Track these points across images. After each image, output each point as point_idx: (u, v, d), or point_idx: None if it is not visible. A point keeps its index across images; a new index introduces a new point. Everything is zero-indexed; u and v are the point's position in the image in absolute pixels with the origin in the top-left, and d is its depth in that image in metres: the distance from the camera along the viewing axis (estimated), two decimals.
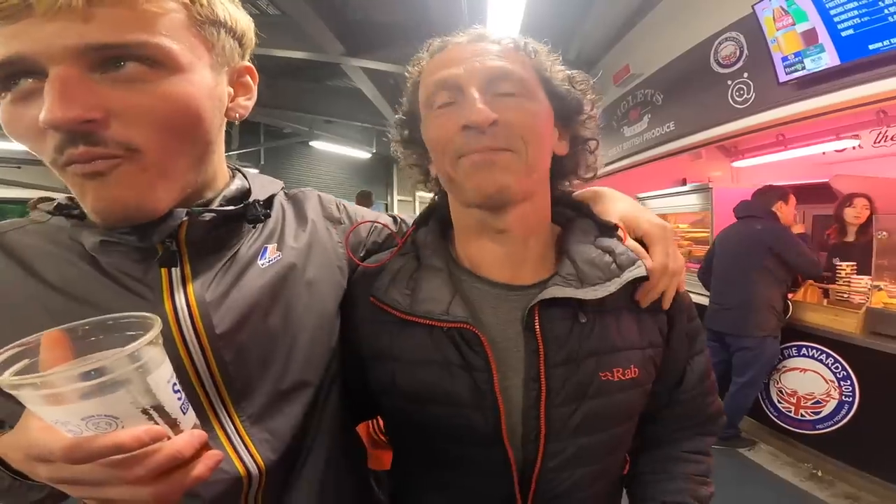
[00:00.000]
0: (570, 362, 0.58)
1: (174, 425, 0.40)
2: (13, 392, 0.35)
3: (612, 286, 0.59)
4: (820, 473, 2.68)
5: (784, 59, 2.84)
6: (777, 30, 2.84)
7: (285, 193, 0.71)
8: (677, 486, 0.68)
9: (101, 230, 0.52)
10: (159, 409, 0.39)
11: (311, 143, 9.21)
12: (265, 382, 0.57)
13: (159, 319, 0.40)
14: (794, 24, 2.74)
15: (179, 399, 0.41)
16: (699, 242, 4.22)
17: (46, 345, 0.38)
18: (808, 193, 4.15)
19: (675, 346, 0.68)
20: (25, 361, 0.38)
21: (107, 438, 0.36)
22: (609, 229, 0.66)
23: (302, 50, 4.88)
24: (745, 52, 3.25)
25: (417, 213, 0.76)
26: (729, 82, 3.39)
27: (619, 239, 0.65)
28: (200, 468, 0.41)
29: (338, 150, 9.70)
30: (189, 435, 0.41)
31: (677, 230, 4.61)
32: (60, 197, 0.57)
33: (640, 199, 5.00)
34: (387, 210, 13.40)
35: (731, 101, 3.40)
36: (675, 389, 0.70)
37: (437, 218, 0.72)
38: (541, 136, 0.60)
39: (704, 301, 3.13)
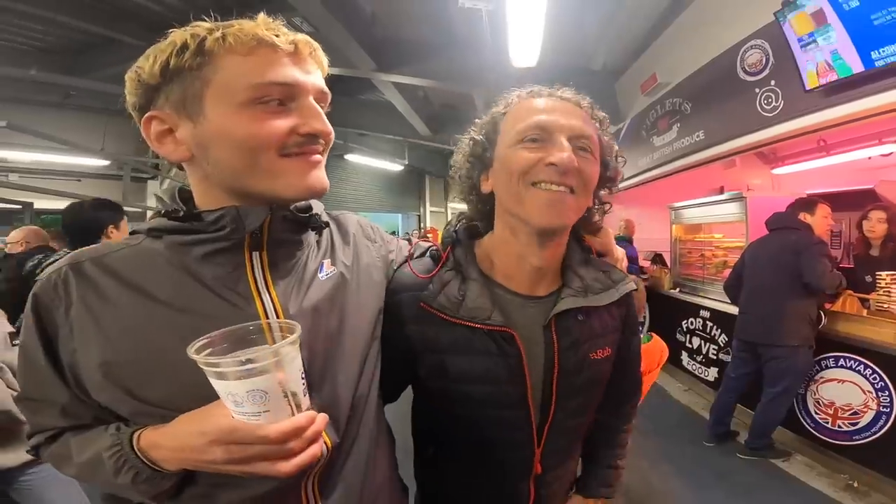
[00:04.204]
0: (573, 348, 0.79)
1: (299, 406, 0.55)
2: (204, 368, 0.50)
3: (615, 295, 0.84)
4: (856, 484, 2.60)
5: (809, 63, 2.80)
6: (788, 13, 2.80)
7: (327, 214, 0.82)
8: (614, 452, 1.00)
9: (206, 243, 0.63)
10: (293, 391, 0.53)
11: (346, 157, 9.53)
12: (327, 377, 0.67)
13: (299, 326, 0.55)
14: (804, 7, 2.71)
15: (304, 385, 0.56)
16: (734, 252, 4.13)
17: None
18: (854, 200, 4.00)
19: (626, 330, 0.91)
20: (210, 350, 0.54)
21: (286, 423, 0.52)
22: (588, 249, 0.89)
23: (335, 66, 5.15)
24: (771, 59, 3.22)
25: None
26: (756, 90, 3.36)
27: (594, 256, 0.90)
28: (315, 448, 0.56)
29: (371, 162, 9.99)
30: (322, 417, 0.57)
31: (712, 240, 4.52)
32: (159, 221, 0.66)
33: (674, 209, 4.94)
34: (419, 221, 13.62)
35: (759, 108, 3.36)
36: (622, 359, 0.92)
37: (468, 233, 0.87)
38: (592, 189, 0.78)
39: (733, 310, 3.08)
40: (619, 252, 0.99)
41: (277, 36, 0.60)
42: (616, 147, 0.85)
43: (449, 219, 1.37)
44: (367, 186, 11.44)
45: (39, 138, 4.16)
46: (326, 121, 0.65)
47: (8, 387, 1.37)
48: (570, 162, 0.70)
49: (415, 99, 7.17)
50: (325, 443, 0.63)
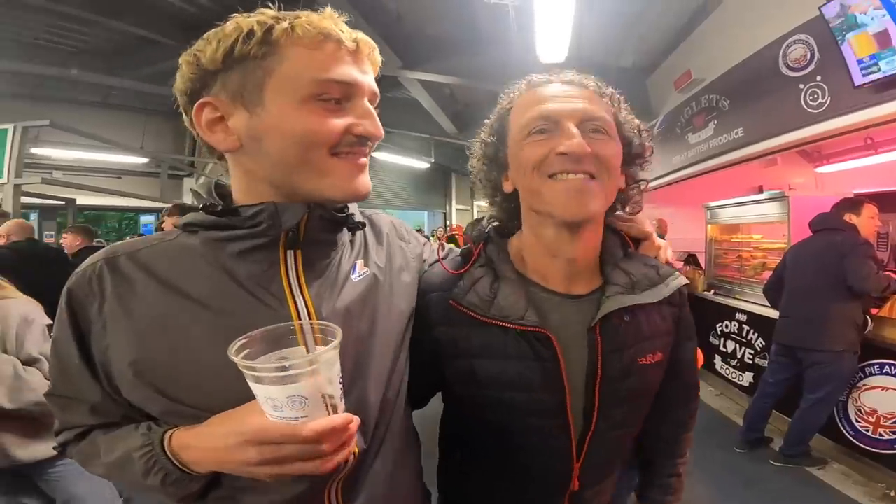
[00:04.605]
0: (618, 351, 0.73)
1: (336, 409, 0.54)
2: (244, 371, 0.49)
3: (664, 292, 0.76)
4: (893, 493, 2.48)
5: (859, 61, 2.66)
6: (847, 32, 2.67)
7: (361, 213, 0.79)
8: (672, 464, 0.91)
9: (241, 240, 0.62)
10: (331, 396, 0.52)
11: (374, 155, 9.60)
12: (357, 380, 0.65)
13: (340, 330, 0.53)
14: (865, 27, 2.57)
15: (341, 390, 0.55)
16: (774, 253, 3.96)
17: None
18: None
19: (680, 332, 0.83)
20: (248, 350, 0.52)
21: (322, 421, 0.51)
22: (626, 242, 0.82)
23: None
24: (816, 54, 3.06)
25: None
26: (801, 86, 3.20)
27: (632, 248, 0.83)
28: (351, 444, 0.55)
29: (398, 160, 10.04)
30: (356, 420, 0.55)
31: (751, 240, 4.35)
32: (195, 216, 0.65)
33: (710, 209, 4.78)
34: (445, 218, 13.63)
35: (804, 105, 3.20)
36: (675, 365, 0.83)
37: (499, 232, 0.84)
38: (617, 171, 0.73)
39: (772, 314, 2.96)
40: (660, 240, 0.89)
41: (342, 32, 0.59)
42: (637, 122, 0.79)
43: (475, 217, 1.33)
44: (393, 184, 11.50)
45: (81, 136, 4.36)
46: (379, 123, 0.64)
47: (46, 378, 1.41)
48: (581, 148, 0.66)
49: (441, 96, 7.17)
50: (354, 450, 0.62)
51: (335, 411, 0.53)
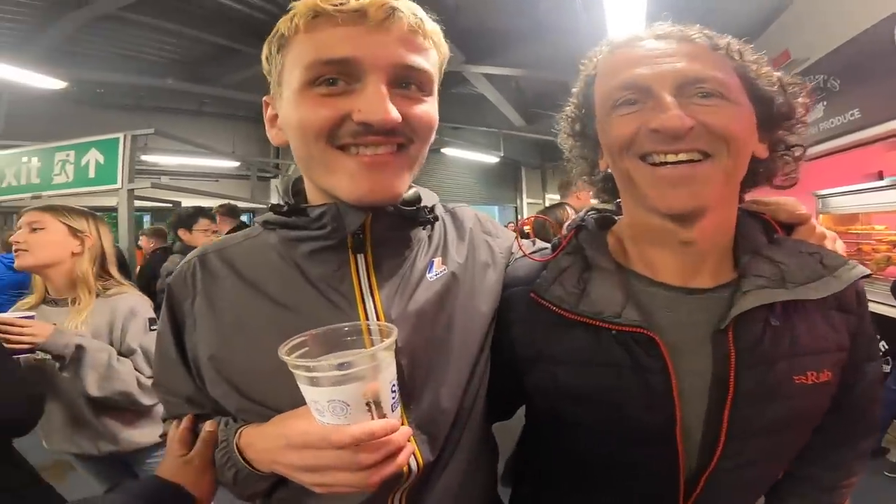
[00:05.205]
0: (761, 365, 0.56)
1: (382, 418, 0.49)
2: (293, 371, 0.47)
3: (833, 286, 0.56)
4: None
5: None
6: None
7: (444, 207, 0.75)
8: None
9: (311, 240, 0.60)
10: (378, 403, 0.48)
11: (443, 150, 9.68)
12: (429, 387, 0.61)
13: (396, 329, 0.50)
14: None
15: (393, 398, 0.49)
16: None
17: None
18: None
19: (858, 348, 0.62)
20: (305, 349, 0.51)
21: (358, 427, 0.46)
22: (771, 227, 0.64)
23: None
24: None
25: None
26: None
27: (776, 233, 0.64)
28: (402, 458, 0.50)
29: (467, 155, 10.01)
30: (404, 430, 0.51)
31: (872, 232, 3.79)
32: (267, 215, 0.65)
33: (820, 197, 4.24)
34: (516, 212, 13.39)
35: None
36: (846, 392, 0.63)
37: (595, 218, 0.72)
38: (743, 140, 0.56)
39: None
40: (825, 230, 0.68)
41: (342, 3, 0.51)
42: (779, 74, 0.61)
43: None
44: (463, 179, 11.51)
45: (181, 143, 4.81)
46: (388, 107, 0.52)
47: (136, 369, 1.48)
48: (677, 122, 0.52)
49: (507, 90, 7.01)
50: (417, 460, 0.58)
51: None
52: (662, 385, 0.56)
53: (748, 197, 0.69)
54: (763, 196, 0.69)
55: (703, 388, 0.57)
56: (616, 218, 0.71)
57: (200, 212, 3.61)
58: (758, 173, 0.63)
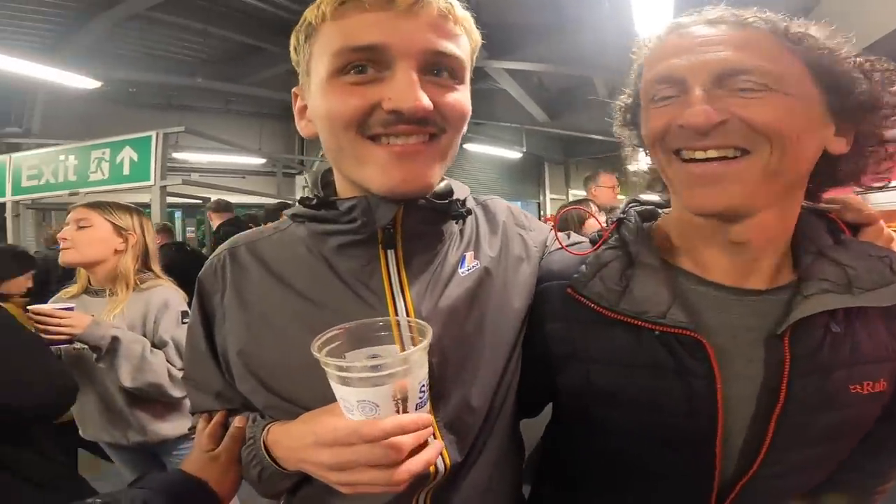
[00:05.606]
0: (817, 373, 0.53)
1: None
2: (325, 368, 0.46)
3: None
4: None
5: None
6: None
7: (475, 199, 0.73)
8: None
9: (340, 234, 0.59)
10: (406, 402, 0.47)
11: (465, 146, 9.64)
12: (458, 386, 0.59)
13: (430, 329, 0.48)
14: None
15: (420, 398, 0.49)
16: None
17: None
18: None
19: None
20: (337, 343, 0.50)
21: (388, 420, 0.45)
22: (837, 227, 0.60)
23: None
24: None
25: None
26: None
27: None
28: (432, 454, 0.49)
29: (489, 150, 9.95)
30: (427, 427, 0.49)
31: None
32: (296, 208, 0.64)
33: (861, 195, 4.03)
34: (539, 208, 13.26)
35: None
36: None
37: (638, 211, 0.68)
38: (795, 134, 0.50)
39: None
40: (889, 230, 0.64)
41: None
42: (860, 59, 0.53)
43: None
44: (485, 175, 11.44)
45: (210, 140, 4.94)
46: (422, 95, 0.50)
47: (168, 361, 1.52)
48: (701, 118, 0.48)
49: (529, 85, 6.92)
50: (444, 460, 0.57)
51: None
52: (706, 389, 0.54)
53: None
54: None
55: (751, 394, 0.55)
56: (661, 211, 0.68)
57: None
58: (837, 170, 0.57)
